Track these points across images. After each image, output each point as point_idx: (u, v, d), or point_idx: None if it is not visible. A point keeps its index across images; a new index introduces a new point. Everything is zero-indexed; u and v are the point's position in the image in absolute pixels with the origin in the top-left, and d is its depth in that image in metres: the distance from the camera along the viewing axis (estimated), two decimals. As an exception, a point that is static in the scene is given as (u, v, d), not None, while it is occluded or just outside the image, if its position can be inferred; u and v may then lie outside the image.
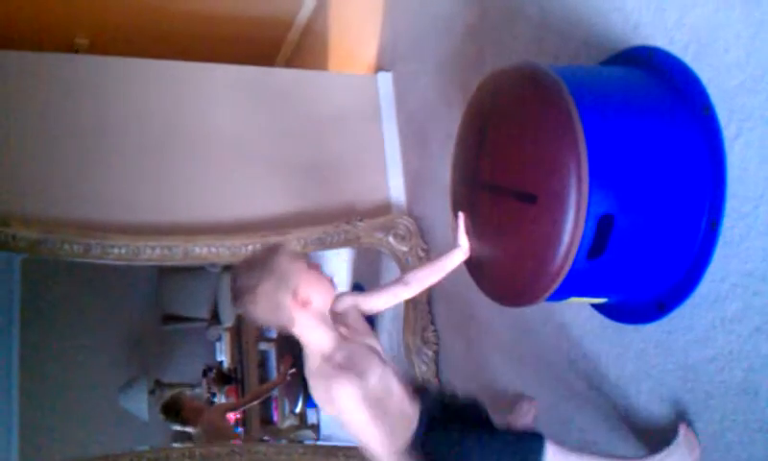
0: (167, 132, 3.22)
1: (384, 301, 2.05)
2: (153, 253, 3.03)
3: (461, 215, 2.02)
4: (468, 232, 2.01)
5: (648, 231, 1.73)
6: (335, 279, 1.90)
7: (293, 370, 3.70)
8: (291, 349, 3.75)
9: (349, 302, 1.99)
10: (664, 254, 1.80)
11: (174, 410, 3.76)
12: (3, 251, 2.91)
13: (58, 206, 2.99)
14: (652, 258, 1.79)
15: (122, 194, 3.09)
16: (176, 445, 3.73)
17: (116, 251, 2.99)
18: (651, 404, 2.02)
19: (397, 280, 2.07)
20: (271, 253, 1.81)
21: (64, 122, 3.09)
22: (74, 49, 4.67)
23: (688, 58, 1.85)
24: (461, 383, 3.12)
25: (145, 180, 3.14)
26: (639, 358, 2.06)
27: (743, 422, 1.74)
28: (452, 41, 3.09)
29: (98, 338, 3.95)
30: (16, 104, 3.04)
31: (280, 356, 3.90)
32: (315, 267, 1.86)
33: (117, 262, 3.02)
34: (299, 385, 3.66)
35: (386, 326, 3.61)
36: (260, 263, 1.78)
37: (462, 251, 2.01)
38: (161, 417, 3.74)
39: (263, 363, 4.23)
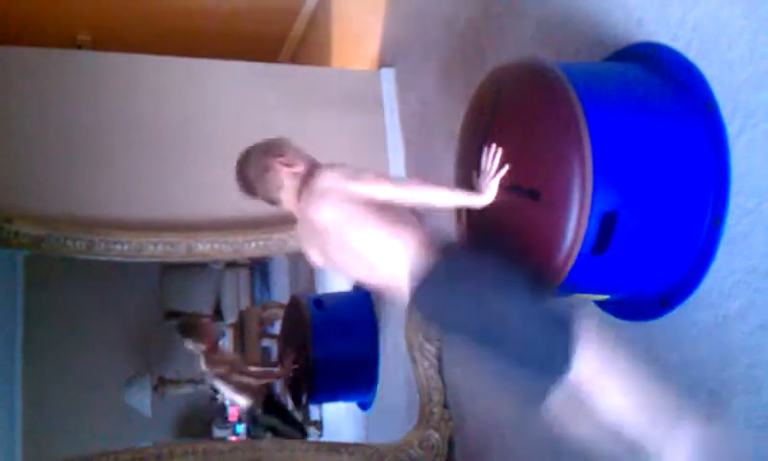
0: (170, 128, 3.21)
1: (376, 191, 1.86)
2: (155, 249, 3.03)
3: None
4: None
5: (652, 228, 1.73)
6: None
7: (296, 365, 3.70)
8: (294, 343, 3.75)
9: (333, 180, 1.89)
10: (668, 251, 1.79)
11: (189, 328, 3.78)
12: (6, 248, 2.91)
13: (60, 203, 2.99)
14: (655, 255, 1.79)
15: (125, 190, 3.10)
16: (177, 441, 3.75)
17: (119, 247, 2.99)
18: (657, 400, 2.01)
19: (400, 179, 2.04)
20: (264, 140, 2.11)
21: (67, 118, 3.09)
22: (76, 45, 4.67)
23: (692, 54, 1.85)
24: (464, 380, 3.12)
25: (148, 176, 3.14)
26: (643, 355, 2.05)
27: (745, 418, 1.74)
28: (455, 37, 3.08)
29: (101, 335, 3.96)
30: (19, 100, 3.04)
31: (283, 352, 3.90)
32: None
33: (120, 259, 3.03)
34: (302, 382, 3.66)
35: (389, 321, 3.61)
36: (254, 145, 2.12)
37: (482, 198, 1.85)
38: (177, 333, 3.78)
39: (265, 359, 4.24)
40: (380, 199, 1.84)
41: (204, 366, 3.71)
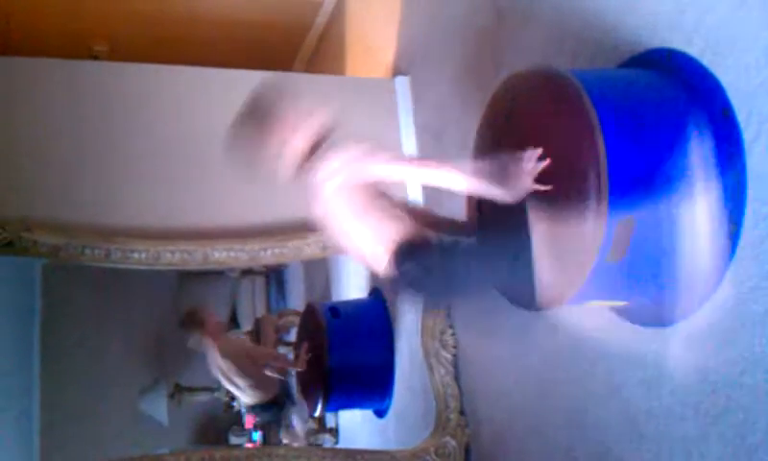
0: (187, 137, 3.24)
1: (392, 171, 1.95)
2: (172, 257, 3.05)
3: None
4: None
5: (668, 234, 1.72)
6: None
7: (309, 355, 3.69)
8: (309, 338, 3.76)
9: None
10: (684, 257, 1.79)
11: (188, 317, 3.76)
12: (25, 256, 2.94)
13: (78, 212, 3.02)
14: (672, 260, 1.79)
15: (142, 199, 3.12)
16: (194, 448, 3.76)
17: (136, 255, 3.01)
18: (674, 407, 2.01)
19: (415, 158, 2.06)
20: None
21: (84, 128, 3.12)
22: (93, 55, 4.72)
23: (707, 60, 1.84)
24: (480, 386, 3.12)
25: (164, 185, 3.17)
26: (660, 361, 2.05)
27: (765, 424, 1.73)
28: (469, 44, 3.09)
29: (117, 342, 3.98)
30: (37, 110, 3.08)
31: (298, 344, 3.89)
32: None
33: (137, 267, 3.05)
34: (317, 389, 3.66)
35: (404, 327, 3.62)
36: None
37: (508, 194, 1.79)
38: (180, 331, 3.76)
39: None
40: (392, 181, 1.92)
41: (216, 359, 3.69)
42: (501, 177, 1.79)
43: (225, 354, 3.66)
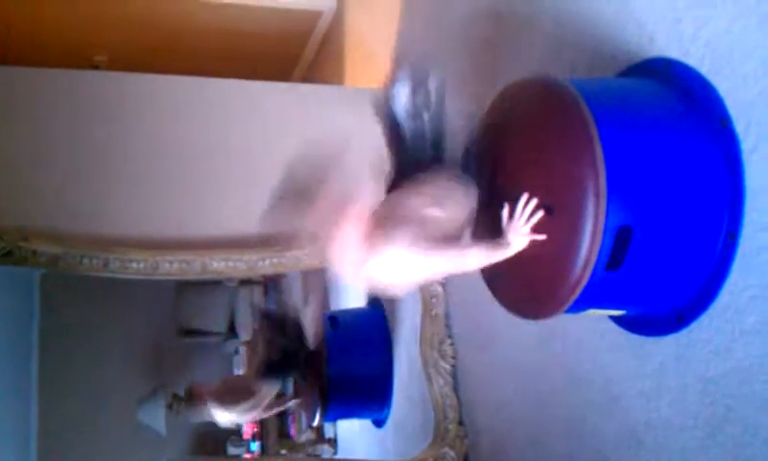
0: (185, 147, 3.24)
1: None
2: (171, 267, 3.05)
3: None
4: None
5: (666, 243, 1.72)
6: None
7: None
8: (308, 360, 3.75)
9: None
10: (683, 266, 1.79)
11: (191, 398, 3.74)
12: (23, 266, 2.94)
13: (77, 221, 3.02)
14: (670, 270, 1.79)
15: (140, 209, 3.12)
16: (191, 458, 3.75)
17: (135, 265, 3.02)
18: (673, 418, 2.01)
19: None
20: None
21: (83, 138, 3.13)
22: (93, 65, 4.73)
23: (705, 69, 1.85)
24: (479, 396, 3.12)
25: (163, 195, 3.17)
26: (659, 371, 2.04)
27: (764, 436, 1.73)
28: (468, 54, 3.09)
29: (116, 352, 3.97)
30: (36, 120, 3.08)
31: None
32: None
33: (136, 277, 3.05)
34: (315, 399, 3.66)
35: (403, 337, 3.61)
36: None
37: (511, 248, 1.79)
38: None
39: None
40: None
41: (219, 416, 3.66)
42: (498, 243, 1.80)
43: (222, 404, 3.66)
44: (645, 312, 2.00)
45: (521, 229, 1.75)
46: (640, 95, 1.90)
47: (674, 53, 1.94)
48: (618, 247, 1.66)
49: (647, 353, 2.08)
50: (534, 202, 1.74)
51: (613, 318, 2.14)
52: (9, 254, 2.87)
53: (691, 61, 1.88)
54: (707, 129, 1.79)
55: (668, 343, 1.99)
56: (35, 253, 2.90)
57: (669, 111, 1.82)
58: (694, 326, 1.88)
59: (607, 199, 1.61)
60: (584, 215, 1.62)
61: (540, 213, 1.74)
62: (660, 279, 1.80)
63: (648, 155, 1.71)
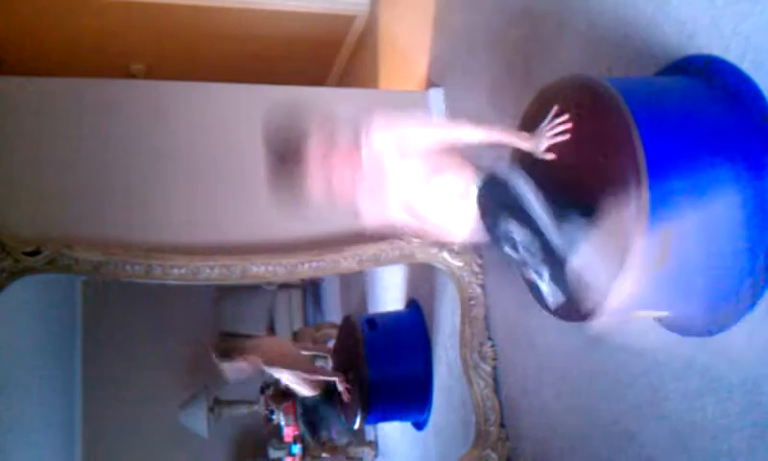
0: (223, 153, 3.27)
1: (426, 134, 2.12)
2: (212, 272, 3.08)
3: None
4: None
5: (710, 243, 1.70)
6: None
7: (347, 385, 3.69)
8: (348, 363, 3.76)
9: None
10: (725, 267, 1.76)
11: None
12: (66, 273, 2.98)
13: (119, 229, 3.06)
14: (713, 271, 1.77)
15: (181, 216, 3.15)
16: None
17: (176, 271, 3.04)
18: (719, 419, 1.98)
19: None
20: None
21: (124, 147, 3.17)
22: (131, 74, 4.80)
23: (745, 66, 1.82)
24: (521, 399, 3.10)
25: (203, 201, 3.20)
26: (704, 372, 2.02)
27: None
28: (503, 56, 3.08)
29: (157, 356, 4.03)
30: (78, 130, 3.13)
31: (335, 356, 3.90)
32: None
33: (177, 282, 3.08)
34: (356, 402, 3.66)
35: (441, 339, 3.61)
36: None
37: (531, 143, 1.93)
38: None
39: (319, 379, 4.25)
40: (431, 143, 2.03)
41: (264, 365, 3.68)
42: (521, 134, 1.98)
43: (268, 362, 3.67)
44: (688, 313, 1.98)
45: (547, 133, 1.88)
46: (680, 93, 1.89)
47: (714, 50, 1.91)
48: (661, 246, 1.64)
49: (692, 354, 2.06)
50: (564, 117, 1.85)
51: (659, 320, 2.12)
52: (52, 262, 2.91)
53: (731, 58, 1.86)
54: (748, 125, 1.76)
55: (713, 344, 1.96)
56: (77, 260, 2.93)
57: (710, 108, 1.81)
58: (739, 326, 1.86)
59: (649, 198, 1.59)
60: (626, 216, 1.61)
61: (566, 126, 1.84)
62: (703, 279, 1.78)
63: (689, 154, 1.69)
